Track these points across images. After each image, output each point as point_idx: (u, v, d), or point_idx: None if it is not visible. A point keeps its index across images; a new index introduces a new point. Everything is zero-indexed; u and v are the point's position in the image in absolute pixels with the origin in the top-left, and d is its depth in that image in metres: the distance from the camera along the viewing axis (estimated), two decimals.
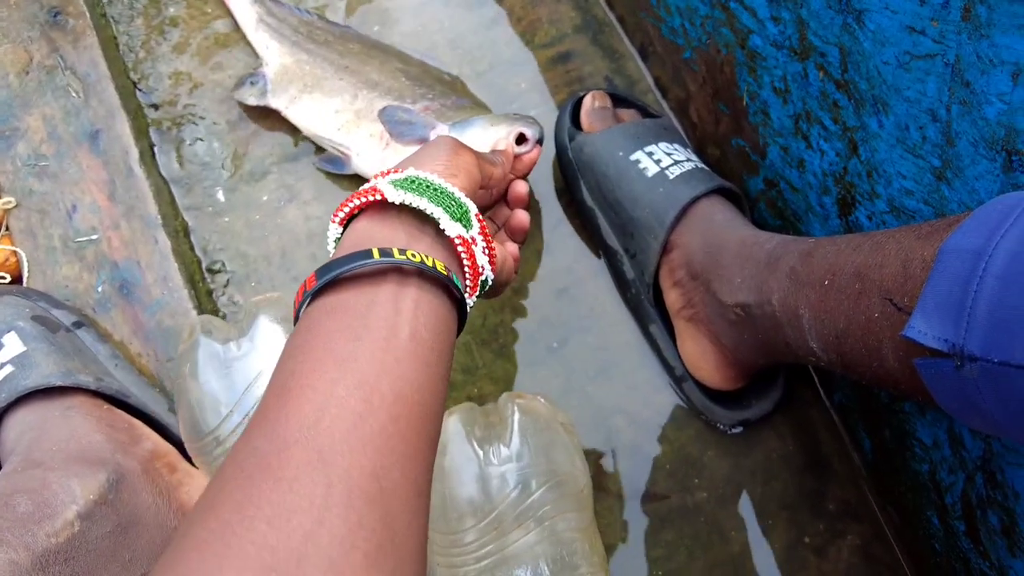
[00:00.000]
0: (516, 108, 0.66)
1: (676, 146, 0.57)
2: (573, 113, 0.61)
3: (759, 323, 0.47)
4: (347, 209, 0.35)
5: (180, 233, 0.61)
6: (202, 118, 0.65)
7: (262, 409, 0.28)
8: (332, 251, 0.36)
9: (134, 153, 0.60)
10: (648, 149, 0.56)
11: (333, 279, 0.31)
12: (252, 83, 0.63)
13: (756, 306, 0.47)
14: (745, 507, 0.56)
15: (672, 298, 0.55)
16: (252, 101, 0.63)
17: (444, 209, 0.35)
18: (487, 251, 0.37)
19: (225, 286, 0.60)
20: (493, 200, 0.47)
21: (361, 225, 0.35)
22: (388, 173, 0.36)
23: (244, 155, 0.64)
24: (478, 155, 0.41)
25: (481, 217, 0.37)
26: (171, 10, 0.68)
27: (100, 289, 0.57)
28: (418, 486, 0.27)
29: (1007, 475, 0.42)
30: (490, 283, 0.38)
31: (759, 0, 0.50)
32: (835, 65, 0.46)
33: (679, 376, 0.57)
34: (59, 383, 0.47)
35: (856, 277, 0.39)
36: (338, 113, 0.61)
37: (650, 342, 0.59)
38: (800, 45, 0.48)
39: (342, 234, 0.37)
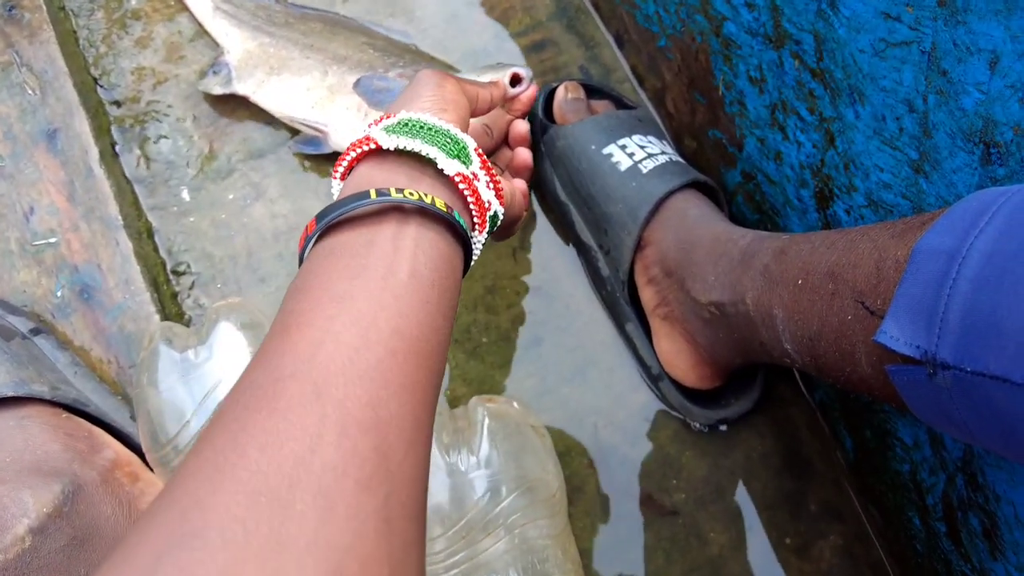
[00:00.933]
0: None
1: (651, 138, 0.55)
2: (546, 105, 0.59)
3: (733, 322, 0.46)
4: (345, 162, 0.36)
5: (143, 234, 0.59)
6: (166, 115, 0.63)
7: (262, 348, 0.28)
8: None
9: (94, 152, 0.58)
10: (621, 142, 0.54)
11: (332, 221, 0.31)
12: (215, 72, 0.61)
13: (730, 305, 0.46)
14: (725, 508, 0.55)
15: (647, 296, 0.53)
16: (218, 90, 0.61)
17: (440, 148, 0.35)
18: (491, 185, 0.37)
19: (190, 288, 0.59)
20: (495, 144, 0.47)
21: (361, 171, 0.35)
22: (380, 120, 0.36)
23: (210, 153, 0.62)
24: (461, 81, 0.41)
25: (480, 151, 0.37)
26: (133, 3, 0.66)
27: (59, 294, 0.55)
28: (416, 417, 0.27)
29: (988, 477, 0.41)
30: (500, 218, 0.38)
31: None
32: (810, 53, 0.44)
33: (656, 375, 0.56)
34: (11, 393, 0.46)
35: (829, 277, 0.37)
36: (310, 91, 0.60)
37: (626, 341, 0.57)
38: (775, 32, 0.46)
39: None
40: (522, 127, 0.47)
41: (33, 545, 0.41)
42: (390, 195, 0.32)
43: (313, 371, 0.26)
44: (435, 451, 0.46)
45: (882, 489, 0.52)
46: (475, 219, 0.36)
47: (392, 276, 0.30)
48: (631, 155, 0.53)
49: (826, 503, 0.56)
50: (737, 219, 0.56)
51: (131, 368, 0.54)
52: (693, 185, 0.53)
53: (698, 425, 0.56)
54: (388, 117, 0.36)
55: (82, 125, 0.59)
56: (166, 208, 0.61)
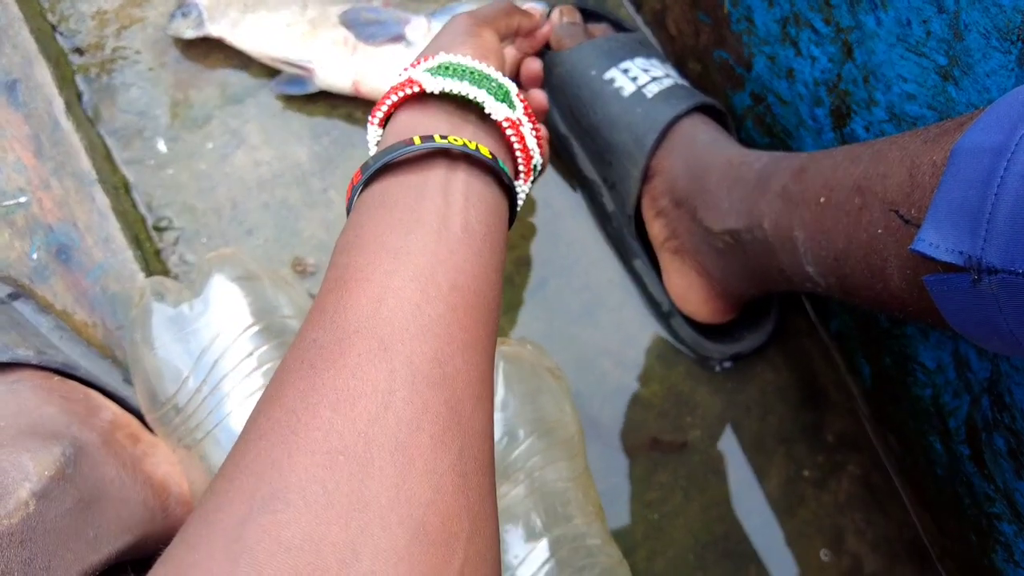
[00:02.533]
0: None
1: (654, 61, 0.52)
2: None
3: (750, 250, 0.44)
4: (385, 106, 0.34)
5: (120, 190, 0.56)
6: (135, 62, 0.59)
7: (319, 304, 0.27)
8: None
9: (59, 104, 0.54)
10: (623, 66, 0.51)
11: (378, 170, 0.31)
12: (184, 14, 0.57)
13: (746, 231, 0.44)
14: (741, 444, 0.54)
15: (656, 229, 0.51)
16: (190, 34, 0.57)
17: (487, 91, 0.33)
18: (534, 132, 0.36)
19: (175, 244, 0.56)
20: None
21: (402, 118, 0.34)
22: (418, 63, 0.35)
23: (184, 100, 0.59)
24: (492, 15, 0.40)
25: (523, 97, 0.35)
26: None
27: (35, 256, 0.52)
28: (481, 371, 0.27)
29: (1016, 396, 0.39)
30: (540, 167, 0.37)
31: None
32: None
33: (666, 312, 0.54)
34: None
35: (856, 191, 0.35)
36: (290, 27, 0.56)
37: (634, 278, 0.56)
38: None
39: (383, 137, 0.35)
40: (535, 66, 0.45)
41: (38, 509, 0.39)
42: (435, 141, 0.31)
43: (378, 327, 0.25)
44: None
45: (902, 416, 0.51)
46: (520, 168, 0.35)
47: (446, 230, 0.29)
48: (634, 79, 0.50)
49: (842, 434, 0.55)
50: (747, 144, 0.53)
51: (118, 330, 0.51)
52: (701, 109, 0.50)
53: (713, 361, 0.55)
54: (426, 59, 0.35)
55: (44, 75, 0.55)
56: (142, 161, 0.57)
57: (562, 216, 0.57)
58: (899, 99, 0.40)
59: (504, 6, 0.43)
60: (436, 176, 0.31)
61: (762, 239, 0.42)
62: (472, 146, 0.31)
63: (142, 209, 0.56)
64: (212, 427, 0.42)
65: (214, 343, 0.43)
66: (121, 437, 0.46)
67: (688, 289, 0.51)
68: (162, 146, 0.57)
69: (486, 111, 0.33)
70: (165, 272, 0.55)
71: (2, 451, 0.41)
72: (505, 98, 0.34)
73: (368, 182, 0.31)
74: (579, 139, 0.54)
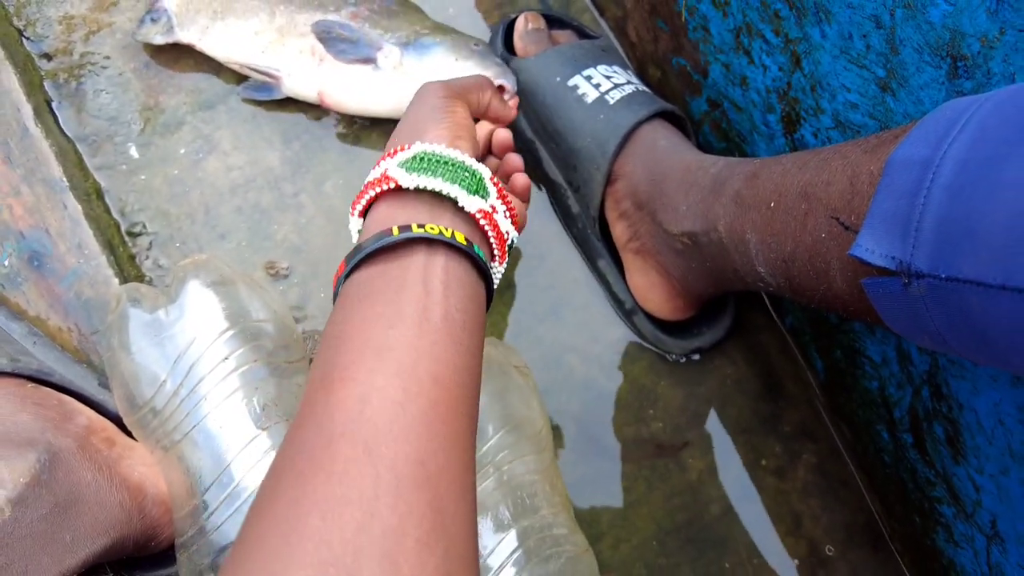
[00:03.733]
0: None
1: (616, 68, 0.54)
2: (506, 37, 0.57)
3: (706, 251, 0.46)
4: (364, 200, 0.36)
5: (92, 195, 0.56)
6: (104, 67, 0.60)
7: (307, 400, 0.29)
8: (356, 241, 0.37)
9: (27, 110, 0.55)
10: (586, 73, 0.53)
11: (361, 259, 0.32)
12: (153, 20, 0.58)
13: (702, 234, 0.46)
14: (701, 435, 0.57)
15: (619, 231, 0.53)
16: (159, 40, 0.58)
17: (460, 184, 0.35)
18: (508, 214, 0.37)
19: (148, 249, 0.57)
20: (481, 154, 0.46)
21: (382, 209, 0.35)
22: (395, 152, 0.36)
23: (155, 105, 0.59)
24: (465, 88, 0.41)
25: (496, 180, 0.37)
26: None
27: (6, 263, 0.52)
28: (463, 464, 0.28)
29: (952, 387, 0.42)
30: (515, 242, 0.39)
31: None
32: None
33: (629, 310, 0.56)
34: None
35: (802, 197, 0.37)
36: (258, 35, 0.57)
37: (598, 277, 0.58)
38: None
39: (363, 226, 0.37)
40: (506, 136, 0.46)
41: (14, 515, 0.40)
42: (412, 231, 0.32)
43: (362, 429, 0.26)
44: None
45: (852, 407, 0.54)
46: (495, 251, 0.37)
47: (427, 321, 0.30)
48: (597, 86, 0.52)
49: (799, 424, 0.58)
50: (704, 148, 0.55)
51: (93, 335, 0.52)
52: (661, 115, 0.52)
53: (673, 356, 0.57)
54: (403, 149, 0.36)
55: (10, 80, 0.55)
56: (114, 167, 0.58)
57: (529, 218, 0.59)
58: (843, 107, 0.43)
59: (479, 81, 0.44)
60: (416, 264, 0.32)
61: (717, 241, 0.44)
62: (448, 234, 0.33)
63: (115, 214, 0.57)
64: (189, 429, 0.43)
65: (190, 347, 0.44)
66: (96, 441, 0.47)
67: (650, 288, 0.53)
68: (134, 151, 0.58)
69: (459, 205, 0.35)
70: (139, 277, 0.55)
71: None
72: (478, 187, 0.36)
73: (352, 271, 0.33)
74: (544, 143, 0.56)
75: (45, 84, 0.58)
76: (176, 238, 0.57)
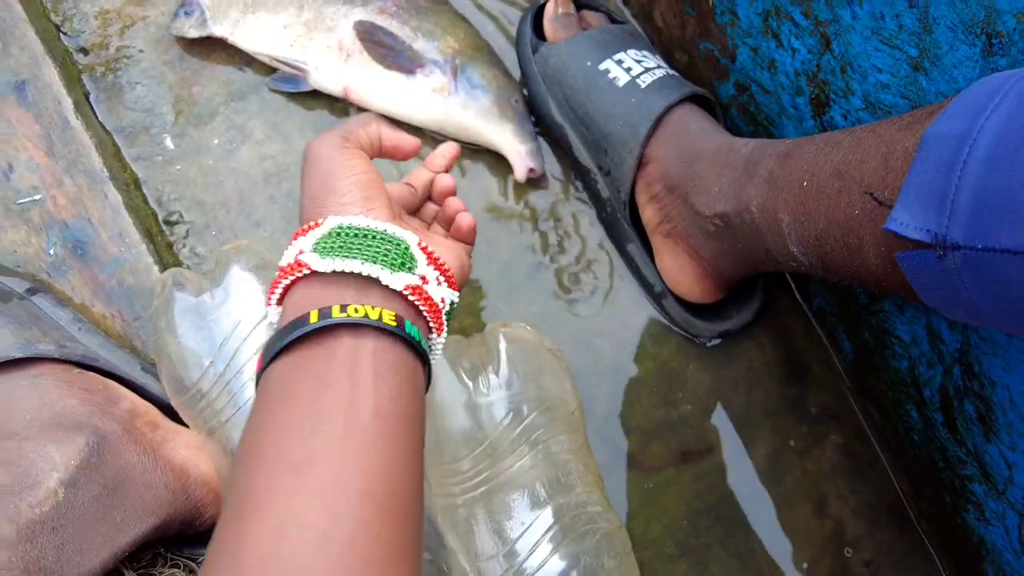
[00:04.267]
0: (474, 19, 0.62)
1: (645, 52, 0.55)
2: (535, 22, 0.58)
3: (738, 232, 0.47)
4: (279, 289, 0.32)
5: (131, 185, 0.58)
6: (138, 61, 0.61)
7: (218, 537, 0.25)
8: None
9: (67, 103, 0.56)
10: (617, 57, 0.53)
11: (279, 352, 0.29)
12: (187, 13, 0.59)
13: (735, 215, 0.46)
14: (729, 417, 0.57)
15: (649, 214, 0.54)
16: (193, 33, 0.59)
17: (382, 261, 0.31)
18: (441, 279, 0.34)
19: (185, 237, 0.58)
20: (420, 201, 0.43)
21: (300, 291, 0.32)
22: (307, 231, 0.33)
23: (189, 97, 0.60)
24: (354, 133, 0.36)
25: (424, 245, 0.33)
26: None
27: (52, 252, 0.54)
28: None
29: (984, 365, 0.43)
30: (455, 305, 0.35)
31: None
32: None
33: (658, 293, 0.57)
34: (19, 355, 0.45)
35: (836, 175, 0.38)
36: (287, 28, 0.58)
37: (627, 261, 0.58)
38: None
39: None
40: (447, 183, 0.42)
41: (67, 497, 0.41)
42: (332, 315, 0.29)
43: (279, 570, 0.23)
44: (457, 376, 0.47)
45: (881, 387, 0.54)
46: (431, 324, 0.33)
47: (354, 423, 0.27)
48: (628, 70, 0.53)
49: (826, 406, 0.58)
50: (732, 132, 0.56)
51: (136, 321, 0.53)
52: (691, 99, 0.53)
53: (702, 339, 0.57)
54: (316, 226, 0.32)
55: (51, 75, 0.56)
56: (150, 158, 0.59)
57: (558, 202, 0.60)
58: (874, 88, 0.43)
59: (360, 118, 0.41)
60: (341, 353, 0.29)
61: (750, 222, 0.45)
62: (375, 315, 0.29)
63: (152, 204, 0.58)
64: (234, 412, 0.45)
65: (235, 330, 0.45)
66: (141, 425, 0.48)
67: (680, 271, 0.54)
68: (169, 142, 0.59)
69: (383, 283, 0.31)
70: (177, 264, 0.57)
71: (29, 443, 0.43)
72: (403, 258, 0.32)
73: (271, 363, 0.29)
74: (574, 127, 0.56)
75: (83, 77, 0.60)
76: (212, 226, 0.58)
